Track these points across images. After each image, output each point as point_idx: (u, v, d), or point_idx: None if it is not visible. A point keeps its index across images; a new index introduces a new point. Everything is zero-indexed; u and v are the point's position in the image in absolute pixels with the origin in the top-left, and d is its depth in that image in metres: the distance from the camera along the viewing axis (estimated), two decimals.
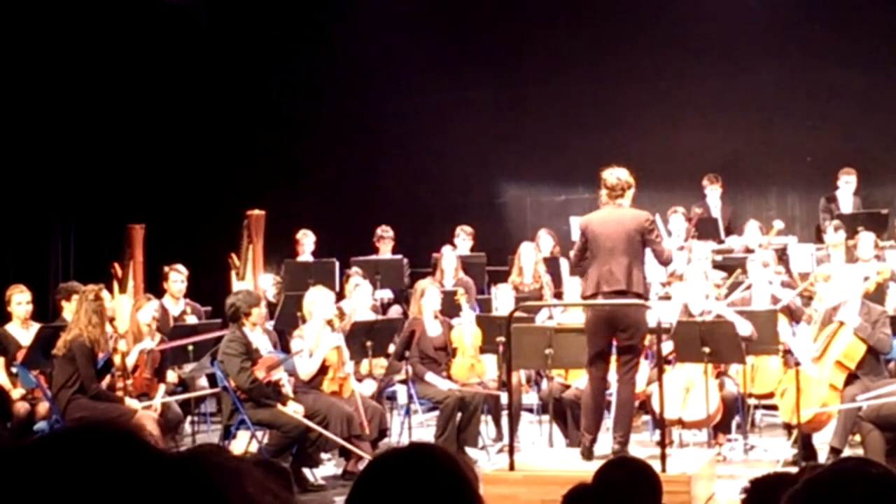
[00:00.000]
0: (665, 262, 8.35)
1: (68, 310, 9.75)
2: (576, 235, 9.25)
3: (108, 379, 8.95)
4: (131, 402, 8.97)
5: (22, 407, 9.36)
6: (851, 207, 12.90)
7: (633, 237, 7.71)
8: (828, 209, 12.98)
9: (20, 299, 9.83)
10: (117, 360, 9.18)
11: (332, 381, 9.27)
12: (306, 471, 8.67)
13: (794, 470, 7.67)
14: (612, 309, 7.73)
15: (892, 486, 1.77)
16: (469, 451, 9.37)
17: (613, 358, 7.98)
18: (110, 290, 10.92)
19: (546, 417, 9.73)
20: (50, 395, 8.84)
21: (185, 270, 10.91)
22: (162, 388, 9.50)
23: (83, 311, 8.68)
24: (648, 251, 7.99)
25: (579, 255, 8.07)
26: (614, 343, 7.87)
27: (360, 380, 9.75)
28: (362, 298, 10.43)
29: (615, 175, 7.86)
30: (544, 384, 10.12)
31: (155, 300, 10.00)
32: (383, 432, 9.22)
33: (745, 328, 8.88)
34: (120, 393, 9.04)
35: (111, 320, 9.41)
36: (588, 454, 7.74)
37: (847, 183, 13.01)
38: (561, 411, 9.43)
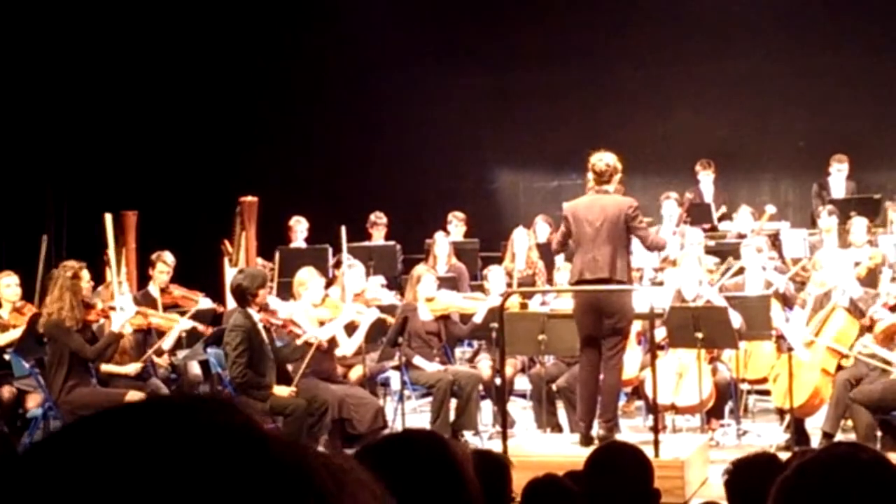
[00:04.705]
0: (651, 247, 8.31)
1: None
2: None
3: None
4: (128, 369, 9.03)
5: (7, 391, 9.35)
6: (844, 193, 12.91)
7: (617, 224, 7.70)
8: (819, 195, 12.99)
9: (9, 282, 9.83)
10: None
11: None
12: None
13: (775, 450, 7.76)
14: (597, 295, 7.75)
15: (882, 471, 1.77)
16: (466, 434, 9.40)
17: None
18: (103, 277, 10.89)
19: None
20: (43, 383, 8.81)
21: (173, 261, 10.80)
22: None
23: (58, 287, 8.61)
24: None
25: (561, 240, 8.18)
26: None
27: (349, 365, 9.76)
28: (356, 279, 10.35)
29: (604, 161, 7.84)
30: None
31: (128, 294, 9.74)
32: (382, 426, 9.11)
33: (735, 320, 8.87)
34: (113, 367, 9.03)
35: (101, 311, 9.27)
36: (586, 440, 7.77)
37: (839, 170, 13.02)
38: (550, 397, 9.43)
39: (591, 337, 7.88)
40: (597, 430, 7.87)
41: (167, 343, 9.58)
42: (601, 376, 7.97)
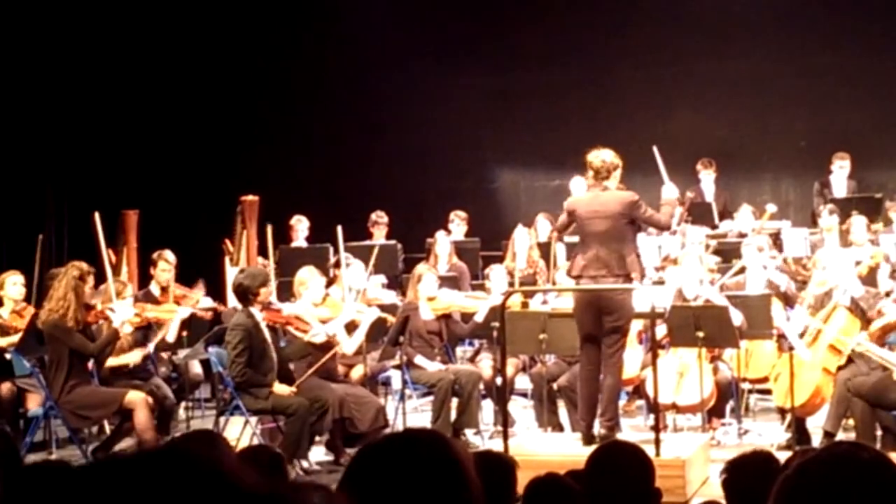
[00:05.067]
0: (666, 227, 8.43)
1: None
2: None
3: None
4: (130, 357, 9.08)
5: (7, 389, 9.34)
6: (845, 191, 12.89)
7: (620, 220, 7.71)
8: (821, 194, 12.99)
9: (15, 280, 9.84)
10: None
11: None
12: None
13: (776, 449, 7.77)
14: (597, 293, 7.75)
15: (882, 471, 1.78)
16: (467, 434, 9.40)
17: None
18: (104, 277, 10.89)
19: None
20: (44, 382, 8.81)
21: (174, 259, 10.79)
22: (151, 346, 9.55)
23: (63, 285, 8.59)
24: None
25: (560, 228, 8.47)
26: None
27: (350, 365, 9.75)
28: (357, 276, 10.35)
29: (600, 158, 7.84)
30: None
31: (129, 297, 9.71)
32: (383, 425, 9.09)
33: (736, 318, 8.87)
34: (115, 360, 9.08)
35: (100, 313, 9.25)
36: (587, 439, 7.77)
37: (841, 168, 13.00)
38: (551, 396, 9.43)
39: (590, 335, 7.88)
40: (598, 429, 7.87)
41: (171, 334, 9.56)
42: (601, 375, 7.96)
